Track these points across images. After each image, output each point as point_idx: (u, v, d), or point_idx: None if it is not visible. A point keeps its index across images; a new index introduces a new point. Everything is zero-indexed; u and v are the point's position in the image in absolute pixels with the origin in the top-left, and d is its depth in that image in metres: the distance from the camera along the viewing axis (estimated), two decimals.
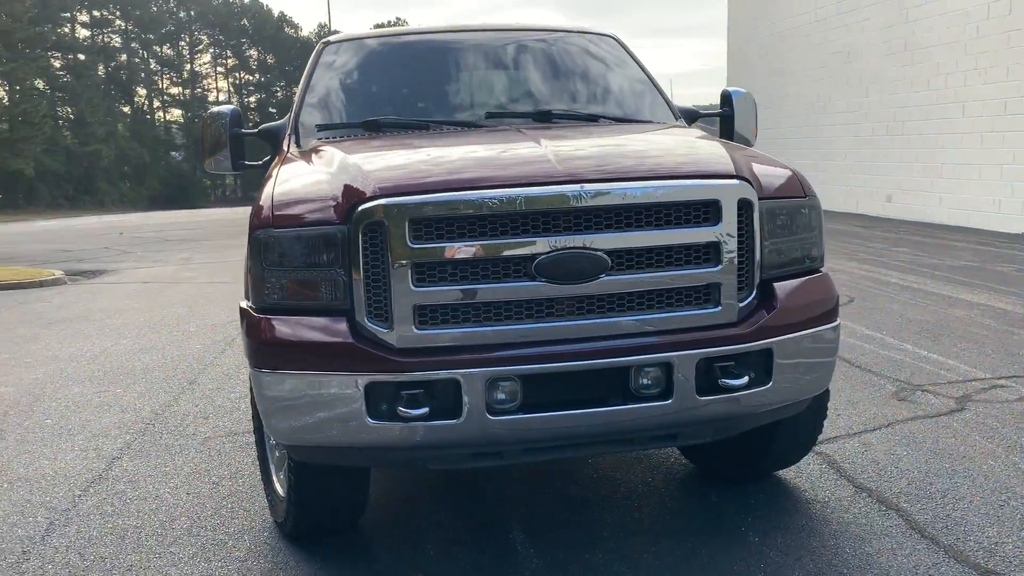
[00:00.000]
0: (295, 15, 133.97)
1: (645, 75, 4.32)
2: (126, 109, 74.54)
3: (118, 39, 75.27)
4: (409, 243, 2.53)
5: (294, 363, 2.63)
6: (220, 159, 4.01)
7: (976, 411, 4.35)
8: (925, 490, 3.44)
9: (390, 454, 2.72)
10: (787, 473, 3.69)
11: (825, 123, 17.17)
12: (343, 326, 2.60)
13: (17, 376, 6.12)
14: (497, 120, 3.77)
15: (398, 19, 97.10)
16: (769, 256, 2.83)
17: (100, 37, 73.46)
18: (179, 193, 67.02)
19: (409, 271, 2.54)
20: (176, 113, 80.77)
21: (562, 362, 2.60)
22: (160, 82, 79.63)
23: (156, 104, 79.82)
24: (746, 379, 2.70)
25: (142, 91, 77.44)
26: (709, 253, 2.70)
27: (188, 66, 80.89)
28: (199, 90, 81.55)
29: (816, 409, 3.34)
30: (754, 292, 2.79)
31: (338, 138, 3.68)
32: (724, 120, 4.31)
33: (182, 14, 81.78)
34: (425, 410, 2.54)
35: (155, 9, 78.11)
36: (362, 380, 2.55)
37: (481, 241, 2.56)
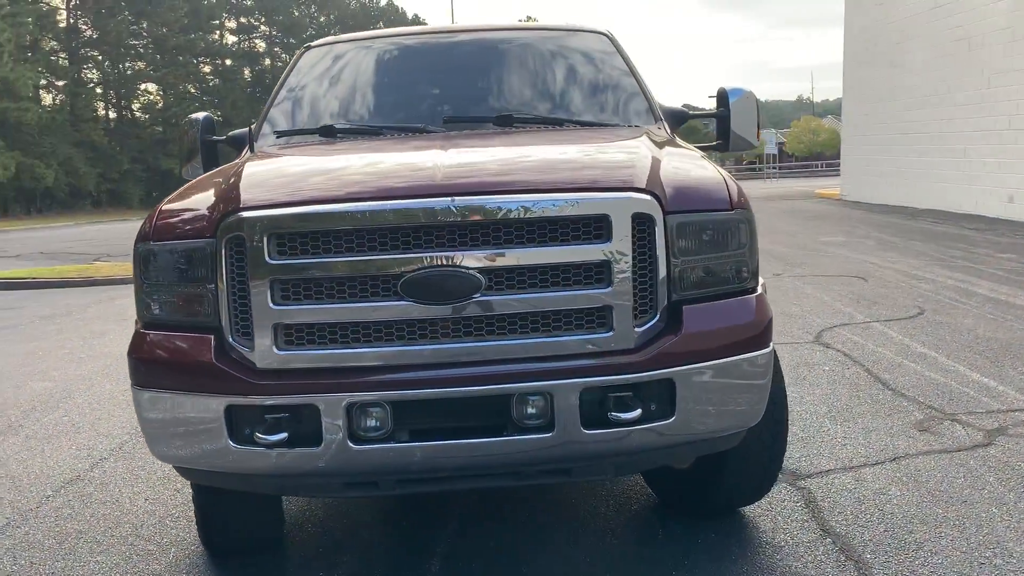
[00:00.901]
0: (428, 16, 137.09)
1: (631, 74, 4.05)
2: None
3: (262, 44, 79.05)
4: (268, 259, 2.41)
5: (163, 381, 2.57)
6: (195, 165, 4.04)
7: (1005, 447, 3.85)
8: (900, 540, 3.04)
9: (257, 480, 2.62)
10: (755, 509, 3.36)
11: (943, 116, 15.95)
12: (207, 345, 2.51)
13: (64, 371, 6.43)
14: (453, 125, 3.61)
15: (528, 17, 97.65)
16: (681, 276, 2.55)
17: (246, 43, 77.36)
18: None
19: (269, 288, 2.42)
20: None
21: (433, 388, 2.42)
22: None
23: None
24: (638, 412, 2.44)
25: None
26: (598, 273, 2.45)
27: None
28: None
29: (769, 442, 3.04)
30: (658, 316, 2.52)
31: (291, 144, 3.62)
32: (720, 121, 3.99)
33: (322, 18, 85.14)
34: (284, 436, 2.43)
35: (296, 14, 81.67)
36: (222, 402, 2.46)
37: (344, 258, 2.41)
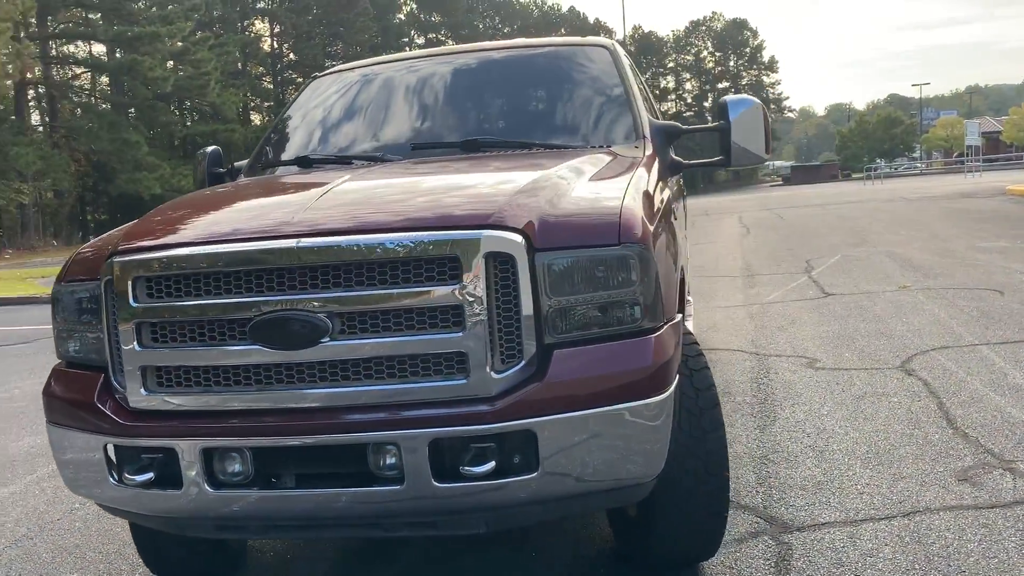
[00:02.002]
0: (609, 20, 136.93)
1: (624, 90, 3.82)
2: None
3: None
4: (131, 302, 2.47)
5: (62, 418, 2.68)
6: None
7: None
8: None
9: (140, 517, 2.67)
10: (719, 564, 3.06)
11: None
12: (94, 385, 2.60)
13: None
14: (420, 152, 3.56)
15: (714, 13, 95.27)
16: (553, 318, 2.36)
17: None
18: None
19: (135, 331, 2.47)
20: None
21: (286, 436, 2.38)
22: None
23: None
24: (492, 466, 2.28)
25: None
26: (450, 316, 2.31)
27: None
28: None
29: (703, 494, 2.74)
30: (524, 362, 2.34)
31: (263, 175, 3.70)
32: (721, 134, 3.69)
33: (506, 29, 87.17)
34: (150, 476, 2.47)
35: (481, 27, 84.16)
36: (101, 441, 2.54)
37: (196, 301, 2.42)
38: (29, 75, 37.20)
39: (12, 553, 3.72)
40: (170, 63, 39.09)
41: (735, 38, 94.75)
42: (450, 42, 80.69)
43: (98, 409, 2.54)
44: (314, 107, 4.19)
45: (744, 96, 3.77)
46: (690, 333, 2.95)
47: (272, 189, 3.04)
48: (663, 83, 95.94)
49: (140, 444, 2.47)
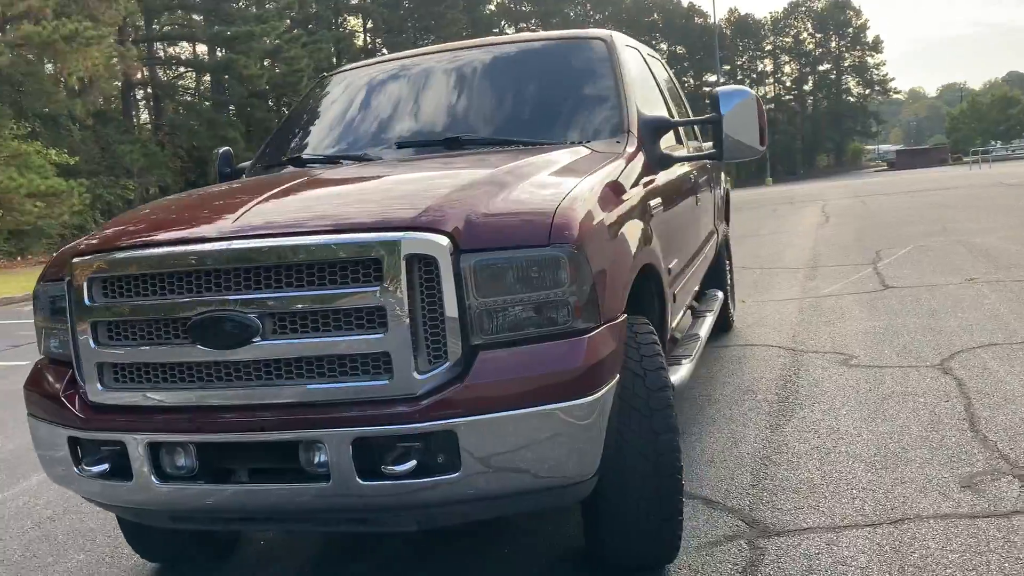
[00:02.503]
0: (703, 3, 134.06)
1: (614, 83, 3.77)
2: None
3: None
4: (86, 301, 2.59)
5: (36, 410, 2.84)
6: None
7: None
8: None
9: (104, 506, 2.81)
10: (689, 564, 3.00)
11: None
12: (62, 379, 2.75)
13: None
14: (404, 151, 3.61)
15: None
16: (479, 319, 2.37)
17: None
18: None
19: (90, 329, 2.60)
20: None
21: (225, 432, 2.47)
22: None
23: None
24: (413, 465, 2.31)
25: None
26: (372, 317, 2.35)
27: None
28: None
29: (652, 499, 2.70)
30: (449, 362, 2.36)
31: (261, 174, 3.82)
32: (713, 127, 3.61)
33: (597, 16, 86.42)
34: (105, 468, 2.60)
35: (572, 15, 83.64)
36: (65, 433, 2.68)
37: (142, 301, 2.52)
38: (137, 76, 39.10)
39: (34, 534, 3.96)
40: (266, 61, 40.34)
41: (836, 18, 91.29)
42: (540, 32, 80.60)
43: (63, 403, 2.69)
44: (315, 107, 4.29)
45: (737, 87, 3.66)
46: (652, 333, 2.88)
47: (236, 191, 3.13)
48: (760, 66, 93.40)
49: (96, 437, 2.60)
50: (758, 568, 2.96)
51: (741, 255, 11.28)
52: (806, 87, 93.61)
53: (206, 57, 43.50)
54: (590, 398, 2.41)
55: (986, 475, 3.52)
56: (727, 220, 7.12)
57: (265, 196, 2.76)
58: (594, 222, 2.59)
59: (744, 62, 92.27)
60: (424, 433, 2.32)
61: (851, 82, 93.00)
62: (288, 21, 45.44)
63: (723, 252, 6.35)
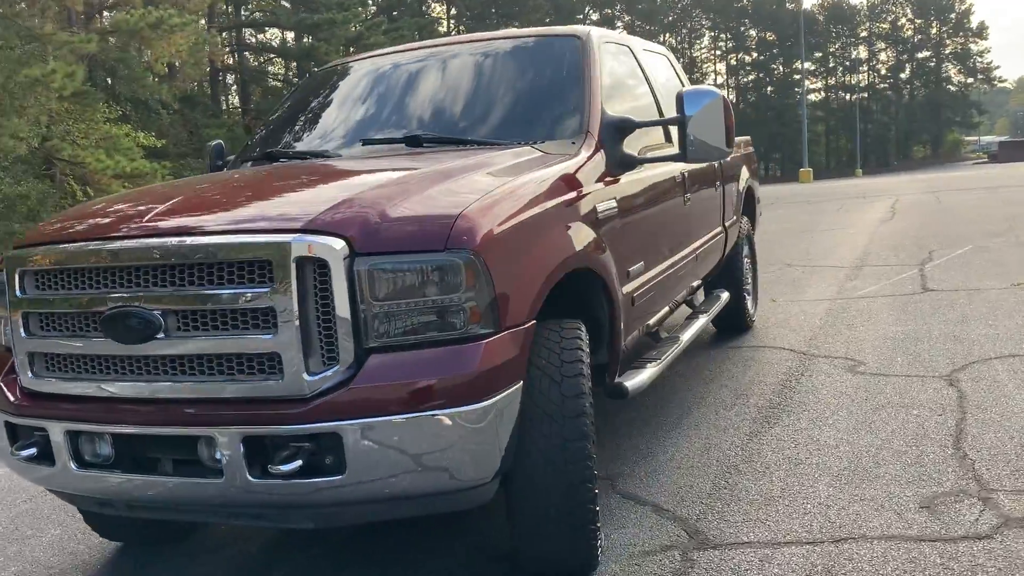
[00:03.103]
0: None
1: (581, 82, 3.72)
2: None
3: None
4: (17, 292, 2.72)
5: None
6: None
7: (1005, 544, 2.95)
8: None
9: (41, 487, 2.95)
10: (616, 573, 2.98)
11: None
12: (3, 366, 2.89)
13: None
14: (368, 147, 3.66)
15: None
16: (372, 323, 2.39)
17: None
18: None
19: (21, 319, 2.73)
20: None
21: (134, 425, 2.56)
22: None
23: None
24: (298, 465, 2.36)
25: None
26: (264, 318, 2.40)
27: (688, 53, 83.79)
28: (696, 75, 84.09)
29: (563, 508, 2.69)
30: (340, 365, 2.39)
31: (237, 168, 3.92)
32: (679, 128, 3.54)
33: (684, 1, 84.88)
34: (33, 452, 2.73)
35: (658, 2, 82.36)
36: (2, 417, 2.83)
37: (63, 294, 2.64)
38: (227, 62, 40.17)
39: (23, 507, 4.18)
40: (351, 48, 40.97)
41: (938, 2, 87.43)
42: (625, 17, 79.60)
43: (2, 388, 2.83)
44: (300, 102, 4.36)
45: (703, 87, 3.58)
46: (578, 339, 2.86)
47: (175, 187, 3.22)
48: (854, 54, 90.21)
49: (25, 423, 2.74)
50: None
51: (790, 252, 10.99)
52: (903, 75, 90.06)
53: (293, 44, 44.45)
54: (484, 403, 2.42)
55: (950, 496, 3.37)
56: (752, 217, 6.95)
57: (191, 194, 2.85)
58: (502, 228, 2.58)
59: (837, 49, 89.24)
60: (310, 435, 2.36)
61: (952, 70, 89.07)
62: (373, 8, 45.93)
63: (739, 250, 6.20)
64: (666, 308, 4.46)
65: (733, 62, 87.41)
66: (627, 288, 3.54)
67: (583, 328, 2.99)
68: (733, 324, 6.44)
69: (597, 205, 3.27)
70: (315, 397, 2.37)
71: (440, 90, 3.92)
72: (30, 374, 2.75)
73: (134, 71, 29.29)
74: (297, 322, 2.36)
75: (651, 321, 4.24)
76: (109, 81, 31.10)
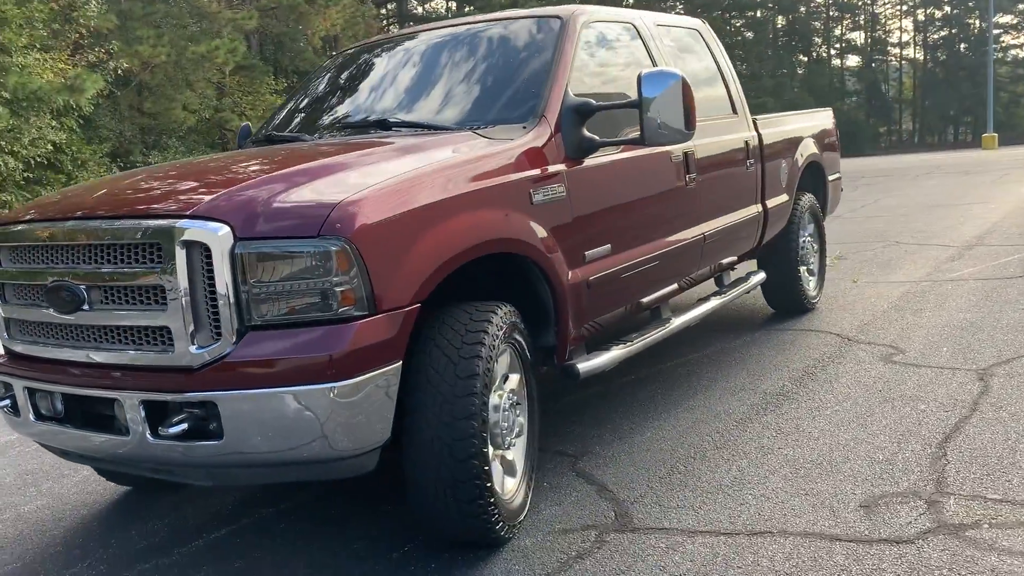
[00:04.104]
0: None
1: (550, 66, 3.76)
2: (803, 59, 76.03)
3: None
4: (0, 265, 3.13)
5: None
6: None
7: (919, 551, 2.82)
8: None
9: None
10: (525, 546, 3.09)
11: None
12: None
13: None
14: (348, 131, 3.88)
15: None
16: (250, 303, 2.61)
17: None
18: (848, 140, 66.30)
19: (0, 290, 3.14)
20: (854, 60, 79.54)
21: (70, 385, 2.92)
22: (839, 29, 79.01)
23: (833, 52, 79.61)
24: (183, 428, 2.63)
25: (818, 40, 77.97)
26: (156, 295, 2.68)
27: (869, 9, 78.55)
28: (879, 32, 78.80)
29: (451, 483, 2.84)
30: (223, 340, 2.63)
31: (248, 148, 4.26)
32: (639, 110, 3.53)
33: None
34: (8, 403, 3.15)
35: None
36: None
37: (21, 267, 3.01)
38: (378, 34, 41.77)
39: (30, 464, 4.74)
40: None
41: None
42: None
43: None
44: (309, 86, 4.62)
45: (662, 70, 3.55)
46: (486, 322, 2.96)
47: (143, 170, 3.55)
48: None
49: (1, 379, 3.16)
50: (583, 560, 2.99)
51: (907, 228, 10.36)
52: None
53: (453, 14, 45.34)
54: (354, 380, 2.59)
55: (897, 497, 3.23)
56: (821, 193, 6.63)
57: (140, 177, 3.17)
58: (383, 216, 2.71)
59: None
60: (194, 402, 2.62)
61: None
62: None
63: (794, 230, 5.96)
64: (668, 288, 4.43)
65: (921, 17, 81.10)
66: (581, 272, 3.57)
67: (504, 311, 3.08)
68: (789, 306, 6.23)
69: (533, 189, 3.33)
70: (200, 369, 2.63)
71: (415, 76, 4.06)
72: (6, 336, 3.17)
73: (295, 44, 30.98)
74: (185, 299, 2.62)
75: (644, 300, 4.24)
76: (275, 55, 33.00)
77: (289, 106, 4.55)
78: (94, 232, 2.78)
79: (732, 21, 69.32)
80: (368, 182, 2.81)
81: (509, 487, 3.22)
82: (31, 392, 3.03)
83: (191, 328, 2.63)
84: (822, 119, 6.88)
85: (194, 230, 2.61)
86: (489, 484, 2.90)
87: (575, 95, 3.69)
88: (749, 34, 69.96)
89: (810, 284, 6.40)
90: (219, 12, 23.29)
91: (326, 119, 4.12)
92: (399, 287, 2.71)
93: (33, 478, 4.34)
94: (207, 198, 2.71)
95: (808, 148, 6.27)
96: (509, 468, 3.27)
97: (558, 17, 4.01)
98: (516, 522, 3.16)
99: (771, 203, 5.57)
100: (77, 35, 20.19)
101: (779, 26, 73.50)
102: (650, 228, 4.13)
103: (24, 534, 3.66)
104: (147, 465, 2.89)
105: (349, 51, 4.71)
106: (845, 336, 5.59)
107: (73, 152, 19.45)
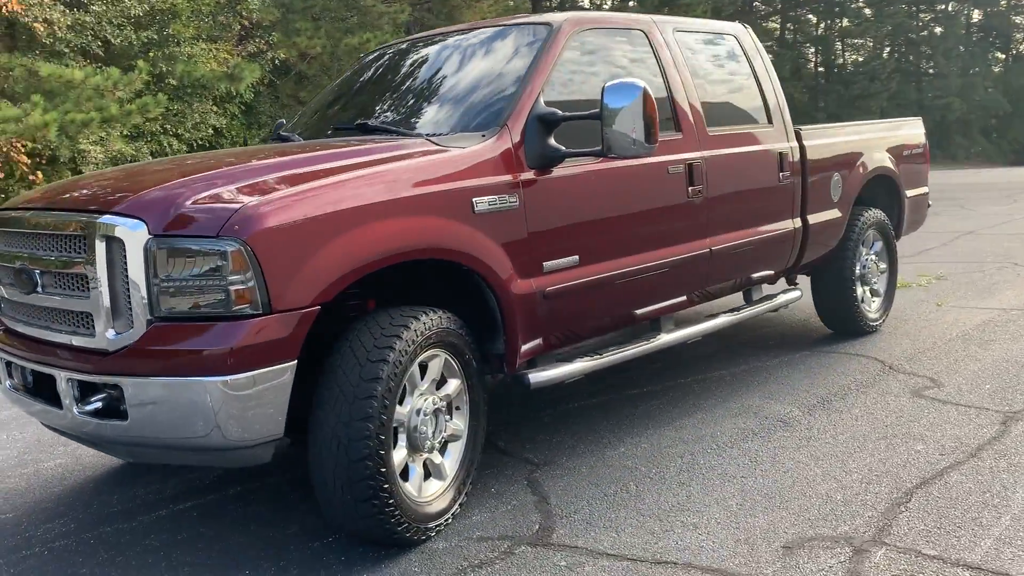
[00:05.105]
0: None
1: (523, 74, 3.76)
2: (1001, 56, 70.31)
3: None
4: None
5: None
6: None
7: None
8: None
9: None
10: (431, 550, 3.15)
11: None
12: None
13: None
14: (335, 134, 4.04)
15: None
16: (159, 296, 2.80)
17: None
18: None
19: None
20: None
21: (27, 360, 3.23)
22: None
23: None
24: (96, 407, 2.87)
25: (1020, 36, 71.78)
26: (81, 284, 2.93)
27: None
28: None
29: (345, 481, 2.95)
30: (134, 329, 2.84)
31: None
32: (600, 122, 3.50)
33: None
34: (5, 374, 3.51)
35: None
36: None
37: (3, 250, 3.35)
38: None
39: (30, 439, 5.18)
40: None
41: None
42: None
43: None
44: (338, 85, 4.81)
45: (625, 81, 3.46)
46: (403, 327, 3.04)
47: (132, 166, 3.82)
48: None
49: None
50: (479, 570, 3.02)
51: None
52: None
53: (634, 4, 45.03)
54: (245, 375, 2.74)
55: (827, 541, 3.04)
56: (893, 207, 6.20)
57: (113, 173, 3.45)
58: (288, 220, 2.82)
59: None
60: (105, 384, 2.85)
61: None
62: None
63: (852, 246, 5.62)
64: (670, 301, 4.33)
65: None
66: (535, 283, 3.56)
67: (431, 317, 3.14)
68: (845, 328, 5.90)
69: (476, 198, 3.35)
70: (113, 353, 2.85)
71: (403, 82, 4.20)
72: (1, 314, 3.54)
73: None
74: (103, 288, 2.85)
75: (638, 311, 4.17)
76: None
77: (305, 108, 4.78)
78: (44, 222, 3.07)
79: (920, 16, 65.06)
80: (284, 187, 2.94)
81: (431, 490, 3.28)
82: (6, 364, 3.37)
83: (108, 315, 2.86)
84: (905, 130, 6.43)
85: (112, 225, 2.84)
86: (387, 486, 2.97)
87: (549, 104, 3.67)
88: (938, 29, 65.42)
89: (872, 305, 6.02)
90: (373, 5, 24.26)
91: (322, 121, 4.30)
92: (297, 289, 2.82)
93: (61, 438, 4.78)
94: (131, 196, 2.93)
95: (875, 160, 5.88)
96: (437, 471, 3.33)
97: (548, 24, 3.98)
98: (433, 525, 3.21)
99: (815, 218, 5.29)
100: (239, 27, 21.62)
101: (973, 21, 68.32)
102: (635, 240, 4.03)
103: (32, 487, 4.07)
104: (82, 438, 3.16)
105: (369, 55, 4.86)
106: (888, 364, 5.23)
107: (232, 136, 20.91)
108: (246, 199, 2.85)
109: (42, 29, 16.53)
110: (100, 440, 3.03)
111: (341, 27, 23.79)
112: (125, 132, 17.60)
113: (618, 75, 4.09)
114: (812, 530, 3.14)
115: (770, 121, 4.99)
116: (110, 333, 2.86)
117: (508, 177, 3.49)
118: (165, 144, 18.90)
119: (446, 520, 3.29)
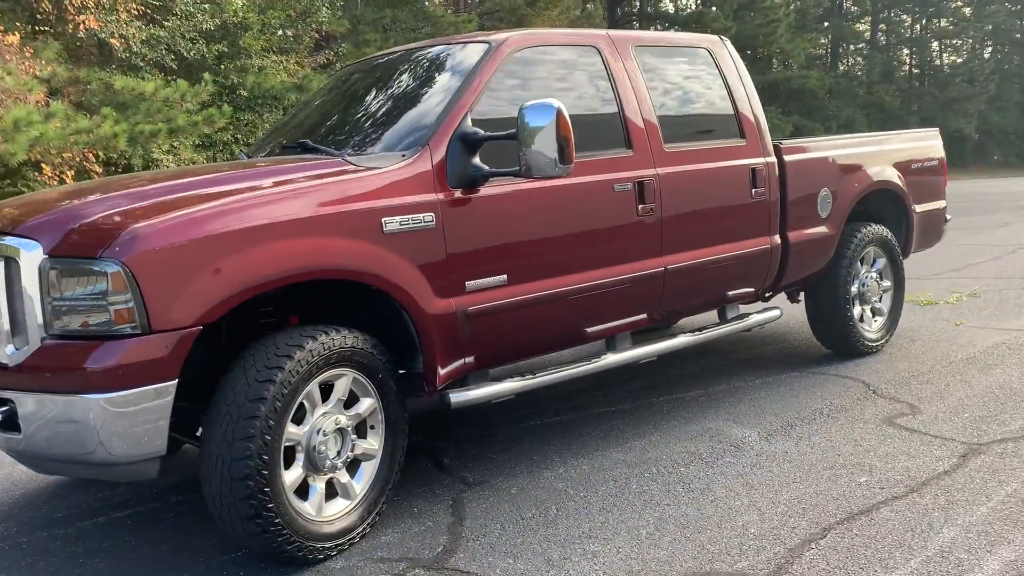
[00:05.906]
0: None
1: (453, 92, 3.76)
2: None
3: None
4: None
5: None
6: None
7: None
8: None
9: None
10: (343, 568, 3.18)
11: None
12: None
13: None
14: (282, 153, 4.13)
15: None
16: (52, 314, 2.91)
17: None
18: None
19: None
20: None
21: None
22: None
23: None
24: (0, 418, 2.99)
25: None
26: None
27: None
28: None
29: (231, 500, 3.00)
30: (29, 345, 2.96)
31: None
32: (519, 142, 3.49)
33: None
34: None
35: None
36: None
37: None
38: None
39: None
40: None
41: None
42: None
43: None
44: (308, 101, 4.91)
45: (542, 102, 3.43)
46: (295, 348, 3.08)
47: (67, 187, 3.98)
48: None
49: None
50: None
51: None
52: None
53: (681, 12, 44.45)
54: (123, 393, 2.82)
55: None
56: (899, 222, 5.94)
57: (34, 195, 3.58)
58: (174, 242, 2.89)
59: None
60: (3, 398, 2.97)
61: None
62: None
63: (847, 263, 5.41)
64: (623, 320, 4.26)
65: None
66: (456, 302, 3.55)
67: (332, 337, 3.17)
68: (840, 348, 5.68)
69: (386, 218, 3.35)
70: (10, 368, 2.97)
71: (349, 102, 4.25)
72: None
73: None
74: (2, 306, 2.97)
75: (589, 330, 4.13)
76: None
77: (274, 125, 4.90)
78: None
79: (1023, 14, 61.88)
80: (176, 210, 3.00)
81: (335, 510, 3.30)
82: None
83: (7, 331, 2.98)
84: (916, 142, 6.15)
85: (9, 246, 2.97)
86: (271, 505, 3.01)
87: (484, 124, 3.66)
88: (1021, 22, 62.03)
89: (873, 325, 5.77)
90: (443, 16, 24.59)
91: (275, 140, 4.40)
92: (178, 309, 2.89)
93: None
94: (33, 218, 3.05)
95: (875, 175, 5.64)
96: (344, 491, 3.35)
97: (487, 42, 3.97)
98: (333, 544, 3.23)
99: (796, 236, 5.11)
100: (309, 39, 22.20)
101: None
102: (574, 259, 3.97)
103: (12, 483, 4.28)
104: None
105: (338, 73, 4.94)
106: (873, 387, 5.01)
107: None
108: (132, 223, 2.93)
109: (118, 44, 17.35)
110: (7, 452, 3.17)
111: (411, 38, 24.26)
112: (196, 141, 18.33)
113: (560, 94, 4.05)
114: (709, 565, 3.03)
115: (743, 136, 4.84)
116: (9, 348, 2.99)
117: (425, 197, 3.49)
118: (236, 153, 19.57)
119: (350, 539, 3.31)
